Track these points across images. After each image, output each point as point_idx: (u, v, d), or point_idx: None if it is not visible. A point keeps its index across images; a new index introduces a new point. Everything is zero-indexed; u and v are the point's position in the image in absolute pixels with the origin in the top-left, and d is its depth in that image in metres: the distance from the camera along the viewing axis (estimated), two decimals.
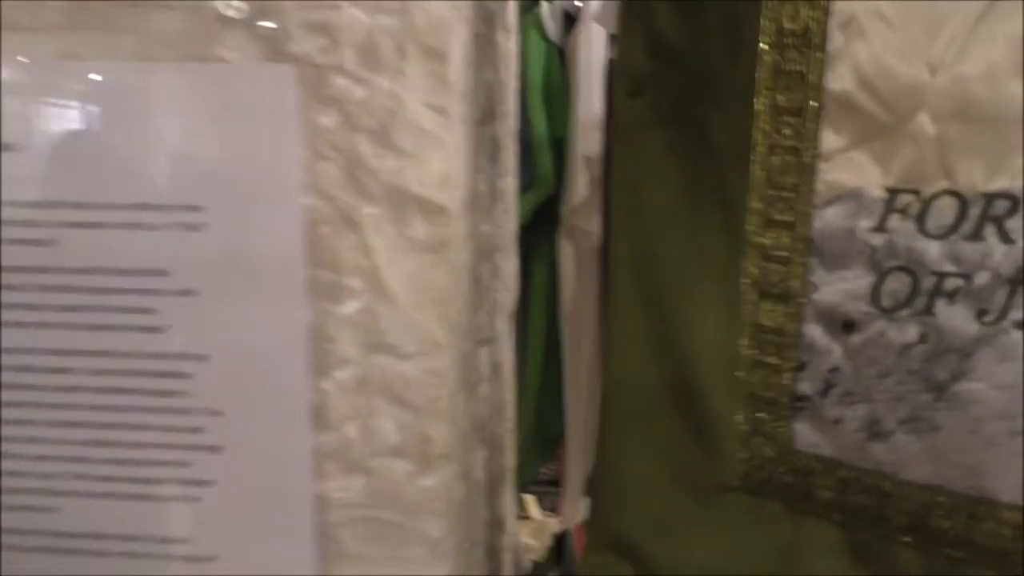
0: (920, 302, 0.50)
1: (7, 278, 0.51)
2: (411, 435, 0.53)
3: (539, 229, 1.18)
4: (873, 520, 0.53)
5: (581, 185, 1.08)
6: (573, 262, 1.22)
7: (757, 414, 0.57)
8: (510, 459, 0.67)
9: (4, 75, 0.49)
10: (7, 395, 0.53)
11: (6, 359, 0.52)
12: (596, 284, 1.22)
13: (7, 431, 0.53)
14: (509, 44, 0.62)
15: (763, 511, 0.58)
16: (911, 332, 0.50)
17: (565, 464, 1.37)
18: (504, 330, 0.65)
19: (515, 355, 0.67)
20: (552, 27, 1.05)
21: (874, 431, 0.52)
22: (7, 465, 0.54)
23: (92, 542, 0.54)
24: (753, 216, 0.56)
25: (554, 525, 1.57)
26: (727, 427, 0.59)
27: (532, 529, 1.60)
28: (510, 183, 0.64)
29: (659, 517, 0.62)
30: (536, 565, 1.39)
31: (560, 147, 1.11)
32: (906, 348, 0.50)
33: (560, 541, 1.48)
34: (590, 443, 1.30)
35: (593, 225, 1.14)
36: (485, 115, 0.60)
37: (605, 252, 1.00)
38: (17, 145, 0.49)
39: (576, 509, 1.37)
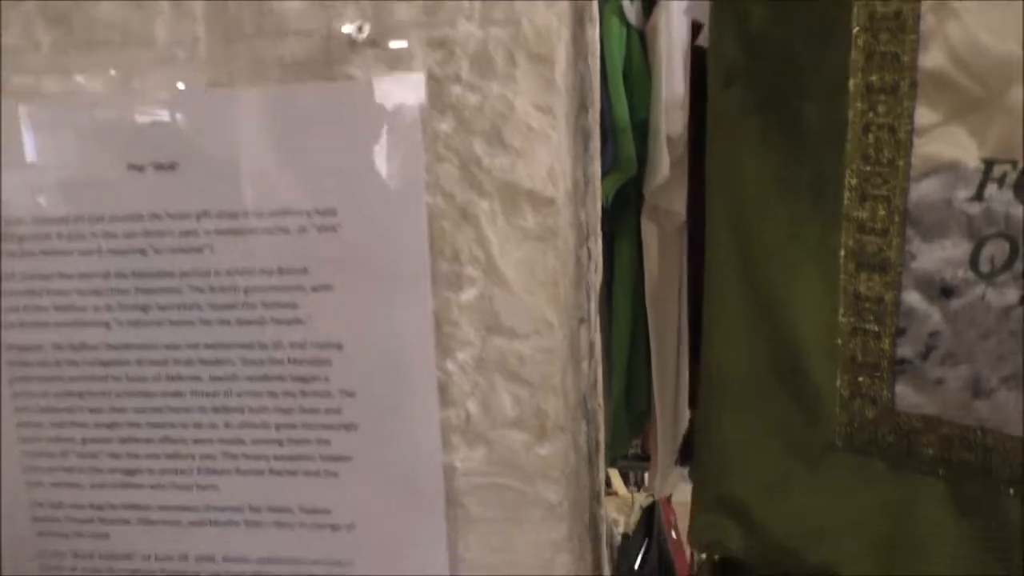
0: (1019, 266, 0.54)
1: (168, 282, 0.60)
2: (528, 409, 0.60)
3: (622, 210, 1.23)
4: (977, 474, 0.58)
5: (664, 166, 1.12)
6: (657, 242, 1.26)
7: (857, 378, 0.62)
8: (603, 433, 0.73)
9: (166, 101, 0.57)
10: (170, 386, 0.62)
11: (169, 354, 0.61)
12: (681, 262, 1.27)
13: (171, 418, 0.62)
14: (594, 35, 0.67)
15: (867, 469, 0.63)
16: (1011, 295, 0.54)
17: (653, 440, 1.43)
18: (595, 310, 0.70)
19: (602, 334, 0.73)
20: (631, 11, 1.09)
21: (977, 389, 0.56)
22: (170, 448, 0.63)
23: (248, 514, 0.63)
24: (849, 192, 0.60)
25: (641, 499, 1.64)
26: (827, 392, 0.63)
27: (618, 504, 1.67)
28: (596, 168, 0.70)
29: (766, 479, 0.67)
30: (625, 537, 1.46)
31: (641, 129, 1.15)
32: (1006, 310, 0.54)
33: (649, 514, 1.55)
34: (679, 418, 1.36)
35: (677, 204, 1.18)
36: (579, 107, 0.65)
37: (692, 231, 1.04)
38: (176, 164, 0.58)
39: (666, 482, 1.42)
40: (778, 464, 0.67)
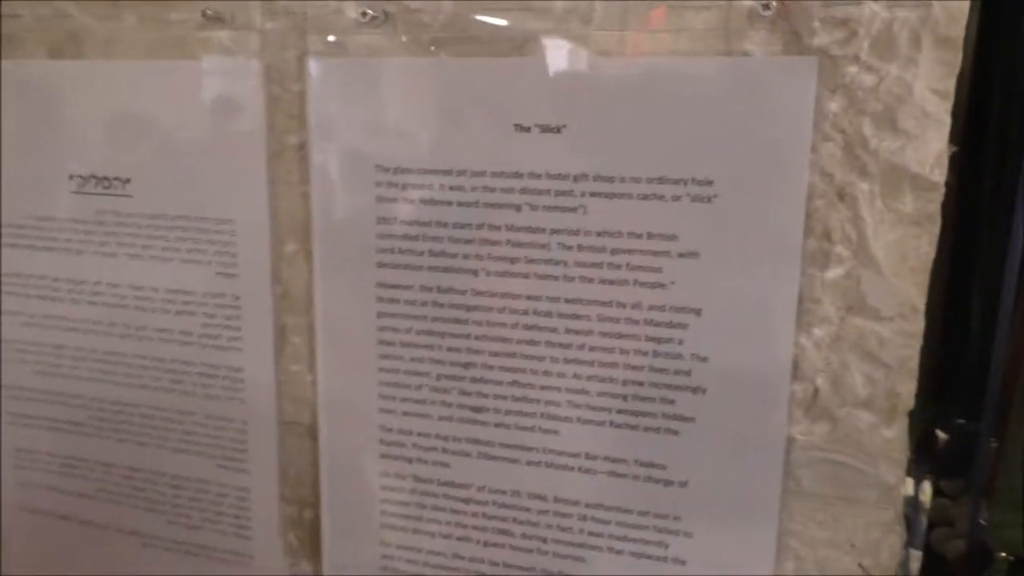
0: None
1: (538, 238, 0.65)
2: (881, 390, 0.62)
3: None
4: None
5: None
6: None
7: None
8: None
9: (558, 67, 0.62)
10: (526, 334, 0.68)
11: (530, 305, 0.67)
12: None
13: (522, 364, 0.68)
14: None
15: None
16: None
17: None
18: None
19: None
20: None
21: None
22: (518, 392, 0.69)
23: (583, 460, 0.69)
24: None
25: None
26: None
27: None
28: None
29: None
30: None
31: None
32: None
33: None
34: None
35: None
36: None
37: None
38: (562, 127, 0.63)
39: None
40: None
